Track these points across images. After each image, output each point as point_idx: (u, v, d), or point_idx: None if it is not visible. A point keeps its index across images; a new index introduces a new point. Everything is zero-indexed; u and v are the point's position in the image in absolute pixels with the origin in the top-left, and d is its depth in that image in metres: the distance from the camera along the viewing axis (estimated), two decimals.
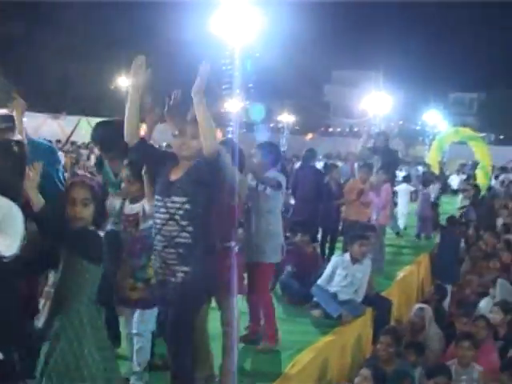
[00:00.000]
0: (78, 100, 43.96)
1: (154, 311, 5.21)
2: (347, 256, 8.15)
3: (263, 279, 6.57)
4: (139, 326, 5.14)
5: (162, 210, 4.61)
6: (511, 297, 9.65)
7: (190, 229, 4.58)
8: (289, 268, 8.74)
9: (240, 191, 5.65)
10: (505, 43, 78.17)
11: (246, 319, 6.71)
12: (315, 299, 7.96)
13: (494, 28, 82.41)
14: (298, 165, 16.59)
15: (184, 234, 4.57)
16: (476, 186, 19.80)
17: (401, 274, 10.93)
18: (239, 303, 5.92)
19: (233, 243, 5.56)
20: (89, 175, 5.00)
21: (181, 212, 4.55)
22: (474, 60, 73.12)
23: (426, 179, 16.51)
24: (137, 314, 5.15)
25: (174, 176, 4.66)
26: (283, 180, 6.65)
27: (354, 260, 8.05)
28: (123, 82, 37.66)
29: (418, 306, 9.12)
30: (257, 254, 6.42)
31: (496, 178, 28.39)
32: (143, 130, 5.40)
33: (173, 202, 4.57)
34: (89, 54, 43.46)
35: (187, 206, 4.55)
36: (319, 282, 8.08)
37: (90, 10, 43.88)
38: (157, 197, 4.69)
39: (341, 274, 8.01)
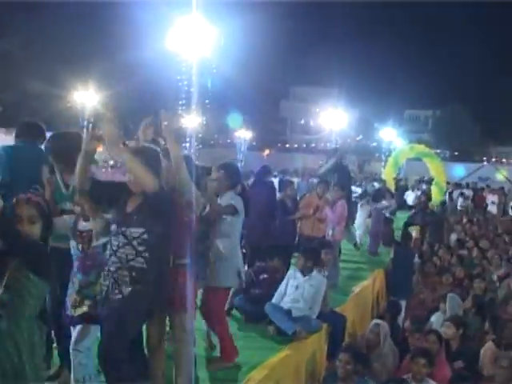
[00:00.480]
0: (34, 114, 43.54)
1: (96, 328, 5.12)
2: (297, 268, 8.24)
3: (216, 303, 6.54)
4: (78, 342, 5.09)
5: (120, 236, 4.74)
6: (461, 311, 9.80)
7: (146, 254, 4.71)
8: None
9: (196, 207, 5.66)
10: (458, 61, 79.53)
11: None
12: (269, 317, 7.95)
13: (448, 46, 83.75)
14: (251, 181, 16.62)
15: (139, 259, 4.69)
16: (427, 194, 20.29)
17: (356, 290, 11.01)
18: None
19: (186, 260, 5.56)
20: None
21: (139, 240, 4.70)
22: (428, 77, 74.01)
23: (377, 195, 16.60)
24: (76, 330, 5.10)
25: (130, 207, 4.80)
26: (240, 203, 6.58)
27: (304, 272, 8.10)
28: (79, 97, 37.44)
29: (373, 321, 9.19)
30: (211, 278, 6.41)
31: (450, 193, 28.84)
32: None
33: (131, 232, 4.71)
34: (45, 69, 43.07)
35: (145, 236, 4.70)
36: (273, 299, 8.09)
37: (45, 24, 43.52)
38: (115, 225, 4.81)
39: (292, 285, 8.06)
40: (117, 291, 4.70)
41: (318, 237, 10.61)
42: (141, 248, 4.69)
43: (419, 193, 28.61)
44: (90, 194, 4.92)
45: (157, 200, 4.74)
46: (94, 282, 5.05)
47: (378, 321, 9.12)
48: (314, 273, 8.21)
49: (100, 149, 5.06)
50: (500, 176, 46.13)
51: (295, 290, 8.03)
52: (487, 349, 8.28)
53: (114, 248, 4.74)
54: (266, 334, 7.75)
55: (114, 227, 4.81)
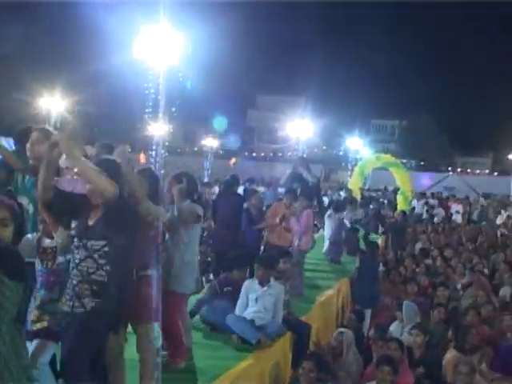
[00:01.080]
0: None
1: (54, 345, 5.04)
2: (256, 280, 8.21)
3: (173, 307, 6.52)
4: (35, 358, 4.91)
5: (82, 249, 4.74)
6: (417, 318, 9.89)
7: (107, 268, 4.71)
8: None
9: (156, 220, 5.68)
10: (425, 71, 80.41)
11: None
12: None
13: (414, 55, 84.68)
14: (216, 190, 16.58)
15: (100, 272, 4.70)
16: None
17: (321, 299, 11.07)
18: None
19: (149, 271, 5.58)
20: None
21: (100, 253, 4.70)
22: (395, 87, 74.79)
23: (341, 204, 16.73)
24: (33, 344, 4.96)
25: (91, 220, 4.81)
26: (201, 210, 6.69)
27: (262, 283, 8.09)
28: (45, 103, 37.21)
29: (338, 330, 9.26)
30: (171, 283, 6.46)
31: (414, 203, 29.09)
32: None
33: (92, 245, 4.72)
34: (11, 75, 42.75)
35: (106, 249, 4.71)
36: (236, 311, 8.08)
37: (12, 29, 43.21)
38: (76, 238, 4.81)
39: (252, 298, 8.05)
40: (78, 304, 4.70)
41: (284, 246, 10.64)
42: (102, 261, 4.70)
43: (385, 202, 28.95)
44: (52, 204, 4.93)
45: (118, 211, 4.75)
46: (56, 298, 5.01)
47: (343, 329, 9.19)
48: (272, 282, 8.19)
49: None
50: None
51: (255, 302, 8.03)
52: (449, 355, 8.37)
53: (76, 261, 4.75)
54: (230, 343, 7.73)
55: (75, 240, 4.82)
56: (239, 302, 8.15)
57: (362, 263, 12.96)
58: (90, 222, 4.80)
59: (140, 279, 5.50)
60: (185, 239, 6.55)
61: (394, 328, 10.01)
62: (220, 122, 50.60)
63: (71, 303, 4.73)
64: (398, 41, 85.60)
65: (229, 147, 62.40)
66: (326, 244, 15.27)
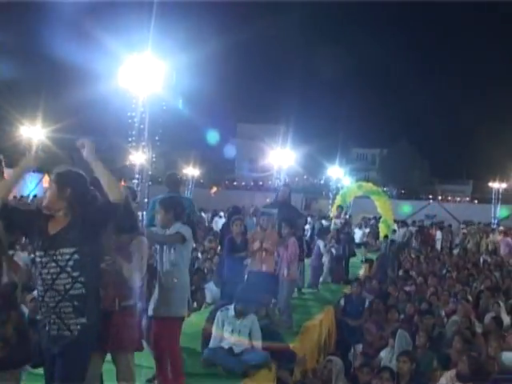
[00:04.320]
0: None
1: (15, 372, 4.86)
2: (231, 310, 8.13)
3: (170, 334, 6.55)
4: None
5: (51, 264, 4.64)
6: (409, 347, 9.93)
7: (82, 279, 4.65)
8: None
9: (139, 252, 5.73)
10: (405, 101, 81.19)
11: None
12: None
13: (394, 85, 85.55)
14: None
15: (77, 285, 4.64)
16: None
17: (306, 326, 11.07)
18: None
19: (132, 301, 5.60)
20: None
21: (71, 263, 4.62)
22: (375, 116, 75.43)
23: (321, 232, 16.88)
24: None
25: (54, 229, 4.72)
26: (188, 232, 6.69)
27: (239, 314, 8.06)
28: (25, 131, 37.26)
29: (327, 358, 9.26)
30: (162, 308, 6.46)
31: (395, 231, 29.18)
32: None
33: (61, 254, 4.63)
34: None
35: (76, 256, 4.63)
36: (210, 344, 8.02)
37: None
38: (40, 253, 4.71)
39: (227, 329, 7.99)
40: (64, 327, 4.63)
41: (268, 272, 10.54)
42: (75, 273, 4.62)
43: (367, 230, 29.03)
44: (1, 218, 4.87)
45: (88, 217, 4.72)
46: (4, 320, 4.76)
47: (332, 357, 9.19)
48: (248, 314, 8.16)
49: None
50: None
51: (231, 334, 7.98)
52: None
53: (49, 281, 4.64)
54: (216, 371, 7.70)
55: (40, 256, 4.71)
56: (214, 334, 8.08)
57: (347, 300, 13.03)
58: (53, 232, 4.71)
59: (123, 310, 5.50)
60: (172, 260, 6.55)
61: (384, 355, 10.03)
62: (212, 136, 50.85)
63: (56, 326, 4.64)
64: (377, 70, 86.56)
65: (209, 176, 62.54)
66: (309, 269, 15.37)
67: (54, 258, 4.63)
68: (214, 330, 8.11)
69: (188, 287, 6.88)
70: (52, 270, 4.63)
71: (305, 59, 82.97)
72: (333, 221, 20.61)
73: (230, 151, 74.61)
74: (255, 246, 10.48)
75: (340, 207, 23.25)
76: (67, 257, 4.63)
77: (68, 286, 4.61)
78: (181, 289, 6.59)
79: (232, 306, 8.14)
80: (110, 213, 4.78)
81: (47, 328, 4.70)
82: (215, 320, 8.17)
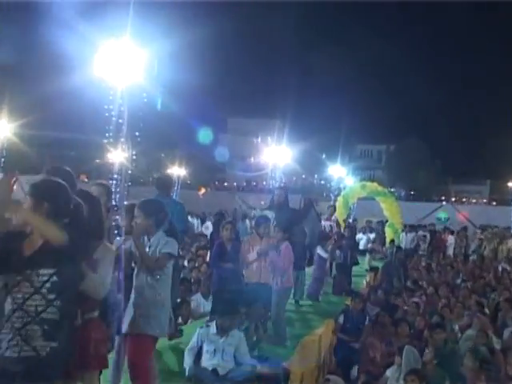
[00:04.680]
0: None
1: None
2: (213, 327, 8.13)
3: (144, 353, 6.53)
4: None
5: (25, 283, 4.58)
6: (418, 365, 9.92)
7: (57, 303, 4.61)
8: None
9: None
10: (415, 92, 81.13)
11: None
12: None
13: (404, 74, 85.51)
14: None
15: (51, 309, 4.59)
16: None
17: (304, 342, 11.04)
18: None
19: (96, 313, 5.57)
20: None
21: (48, 285, 4.57)
22: (382, 110, 75.46)
23: (323, 237, 16.84)
24: None
25: (30, 249, 4.62)
26: (174, 245, 6.68)
27: (222, 332, 8.04)
28: None
29: (326, 377, 9.27)
30: (139, 325, 6.43)
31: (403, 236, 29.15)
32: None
33: (38, 275, 4.58)
34: None
35: (55, 278, 4.59)
36: (192, 364, 8.03)
37: None
38: (12, 274, 4.64)
39: (208, 349, 7.99)
40: (28, 348, 4.55)
41: (267, 284, 10.52)
42: (51, 296, 4.57)
43: (372, 236, 29.02)
44: None
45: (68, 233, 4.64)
46: None
47: (332, 376, 9.19)
48: (233, 331, 8.17)
49: None
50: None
51: (213, 355, 7.99)
52: None
53: (19, 301, 4.58)
54: None
55: (9, 277, 4.63)
56: (190, 345, 8.13)
57: (345, 316, 12.99)
58: (29, 252, 4.60)
59: (86, 323, 5.46)
60: (157, 275, 6.51)
61: (390, 374, 10.02)
62: (205, 135, 50.85)
63: (18, 348, 4.55)
64: (385, 58, 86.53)
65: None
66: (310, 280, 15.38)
67: (30, 278, 4.58)
68: (190, 348, 8.14)
69: (169, 301, 6.82)
70: (24, 290, 4.58)
71: (304, 45, 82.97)
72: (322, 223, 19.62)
73: (220, 148, 74.65)
74: (250, 257, 10.42)
75: (332, 207, 22.30)
76: (45, 278, 4.58)
77: (40, 309, 4.56)
78: (161, 303, 6.56)
79: (213, 323, 8.15)
80: (96, 225, 4.75)
81: (11, 350, 4.59)
82: (194, 338, 8.18)
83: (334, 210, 21.99)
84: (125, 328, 6.55)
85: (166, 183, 9.95)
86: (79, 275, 4.87)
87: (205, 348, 8.02)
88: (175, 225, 8.85)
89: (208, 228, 27.02)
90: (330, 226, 19.76)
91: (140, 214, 6.65)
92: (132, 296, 6.55)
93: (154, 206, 6.89)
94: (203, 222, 30.95)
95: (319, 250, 16.05)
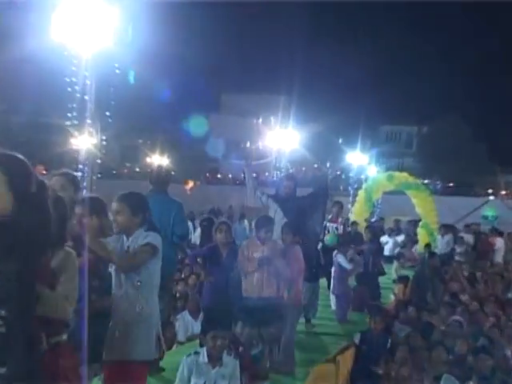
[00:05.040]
0: None
1: None
2: (203, 355, 8.08)
3: (132, 382, 6.48)
4: None
5: None
6: None
7: (2, 313, 4.52)
8: None
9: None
10: (452, 63, 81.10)
11: None
12: None
13: (438, 44, 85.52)
14: None
15: None
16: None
17: (318, 370, 11.04)
18: None
19: (65, 336, 5.56)
20: None
21: None
22: (413, 83, 75.42)
23: (342, 242, 16.79)
24: None
25: None
26: (158, 240, 6.62)
27: (213, 361, 8.01)
28: None
29: None
30: (122, 350, 6.40)
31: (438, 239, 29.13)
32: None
33: None
34: None
35: None
36: None
37: None
38: None
39: (197, 382, 7.96)
40: None
41: (272, 298, 10.44)
42: None
43: (400, 238, 28.98)
44: None
45: (23, 219, 4.59)
46: None
47: None
48: (225, 356, 8.13)
49: None
50: None
51: None
52: None
53: None
54: None
55: None
56: (179, 375, 8.13)
57: (362, 339, 12.88)
58: None
59: (53, 348, 5.43)
60: (138, 281, 6.48)
61: None
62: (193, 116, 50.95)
63: None
64: (418, 26, 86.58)
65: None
66: (332, 298, 15.38)
67: None
68: (180, 371, 8.13)
69: (158, 318, 6.80)
70: None
71: (314, 5, 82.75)
72: (327, 225, 19.11)
73: (211, 132, 74.64)
74: (252, 266, 10.30)
75: (338, 204, 20.62)
76: None
77: None
78: (147, 321, 6.52)
79: (204, 350, 8.12)
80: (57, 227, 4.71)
81: None
82: (180, 369, 8.16)
83: (341, 208, 20.97)
84: (105, 353, 6.49)
85: (162, 177, 10.01)
86: (33, 275, 4.72)
87: (193, 381, 7.98)
88: (174, 229, 8.93)
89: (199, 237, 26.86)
90: (336, 228, 19.45)
91: (125, 210, 6.63)
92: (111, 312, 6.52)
93: (142, 201, 6.92)
94: (193, 225, 30.85)
95: (340, 259, 15.93)
